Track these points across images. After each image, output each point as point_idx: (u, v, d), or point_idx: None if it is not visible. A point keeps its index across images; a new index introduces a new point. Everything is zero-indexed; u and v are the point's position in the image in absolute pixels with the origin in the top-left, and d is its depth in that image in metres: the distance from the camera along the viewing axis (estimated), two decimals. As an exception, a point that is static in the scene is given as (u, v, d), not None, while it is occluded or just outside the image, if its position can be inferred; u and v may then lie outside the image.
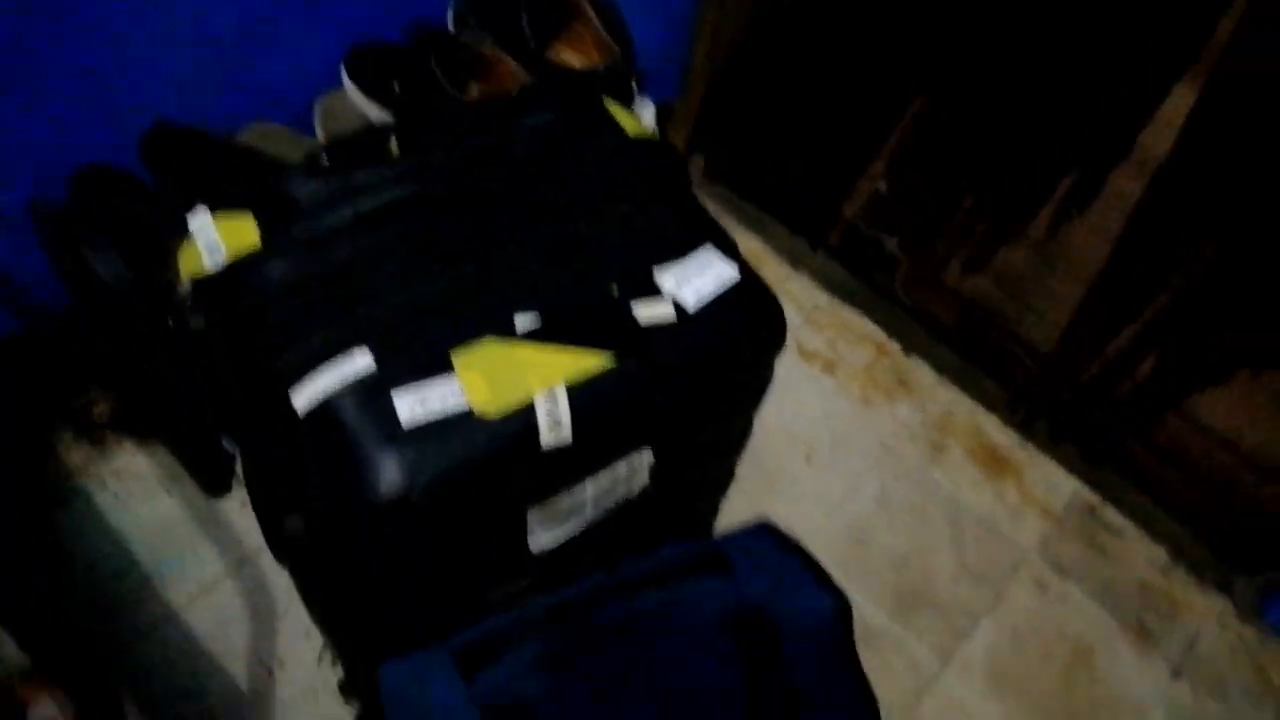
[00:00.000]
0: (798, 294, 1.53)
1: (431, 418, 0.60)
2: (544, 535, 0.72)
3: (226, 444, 1.17)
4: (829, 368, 1.45)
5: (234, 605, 1.13)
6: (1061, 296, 1.30)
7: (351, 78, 1.04)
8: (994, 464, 1.40)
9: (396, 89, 1.03)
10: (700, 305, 0.70)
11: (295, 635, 1.12)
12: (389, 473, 0.59)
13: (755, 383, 0.81)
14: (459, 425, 0.61)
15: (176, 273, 0.69)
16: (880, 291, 1.50)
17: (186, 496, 1.18)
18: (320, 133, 1.07)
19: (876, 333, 1.50)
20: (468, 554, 0.70)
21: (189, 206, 0.69)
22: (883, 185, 1.40)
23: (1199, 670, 1.28)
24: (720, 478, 0.99)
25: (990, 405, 1.44)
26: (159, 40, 0.94)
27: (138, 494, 1.17)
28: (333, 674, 1.09)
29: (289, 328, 0.64)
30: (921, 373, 1.47)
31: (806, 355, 1.45)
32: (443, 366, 0.63)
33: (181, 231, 0.68)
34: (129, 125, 0.94)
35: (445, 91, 0.98)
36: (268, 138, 1.03)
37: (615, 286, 0.69)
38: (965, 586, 1.29)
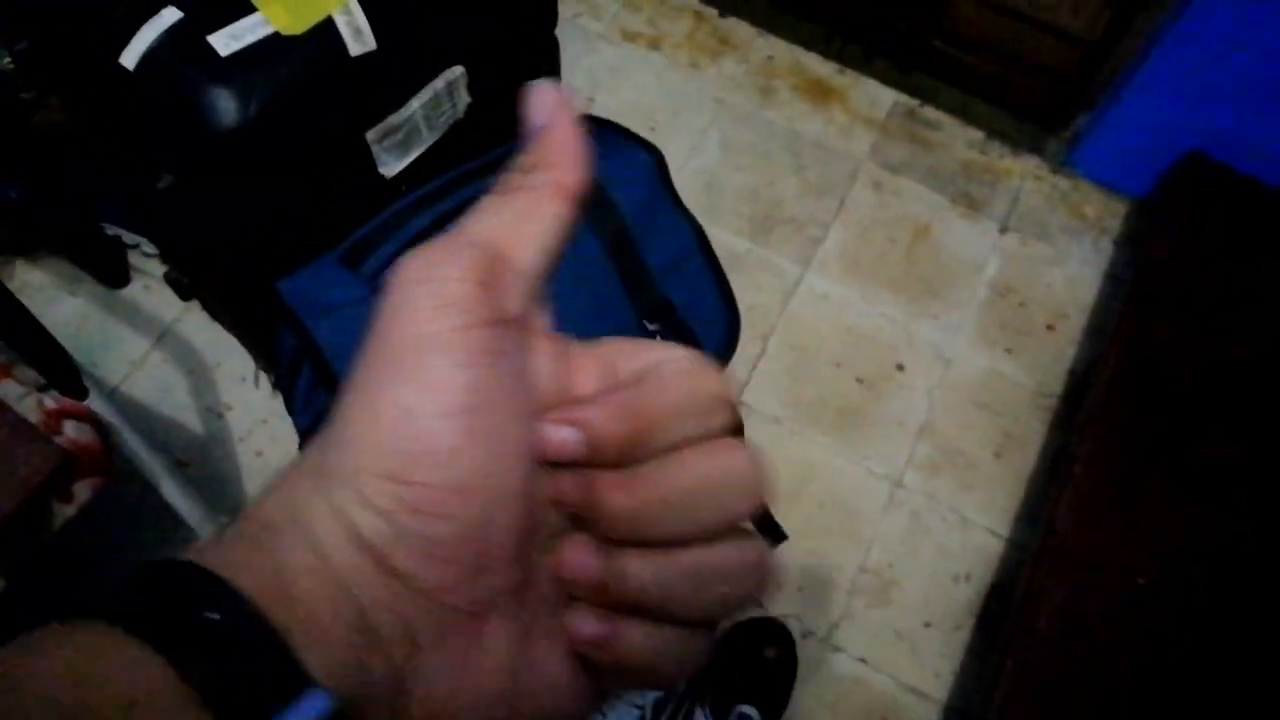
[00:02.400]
0: (613, -11, 1.60)
1: (244, 45, 0.69)
2: (391, 160, 0.83)
3: (123, 236, 1.24)
4: (654, 44, 1.53)
5: (167, 372, 1.24)
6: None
7: None
8: (819, 93, 1.52)
9: None
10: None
11: (234, 380, 1.24)
12: (223, 101, 0.68)
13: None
14: (272, 47, 0.70)
15: None
16: (687, -35, 1.57)
17: (90, 293, 1.26)
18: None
19: (691, 1, 1.58)
20: (326, 189, 0.80)
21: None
22: None
23: (1023, 222, 1.47)
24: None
25: (807, 44, 1.55)
26: None
27: (42, 302, 1.24)
28: (272, 396, 1.22)
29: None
30: (740, 29, 1.57)
31: (630, 36, 1.54)
32: (245, 10, 0.71)
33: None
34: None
35: None
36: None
37: None
38: (812, 201, 1.44)
